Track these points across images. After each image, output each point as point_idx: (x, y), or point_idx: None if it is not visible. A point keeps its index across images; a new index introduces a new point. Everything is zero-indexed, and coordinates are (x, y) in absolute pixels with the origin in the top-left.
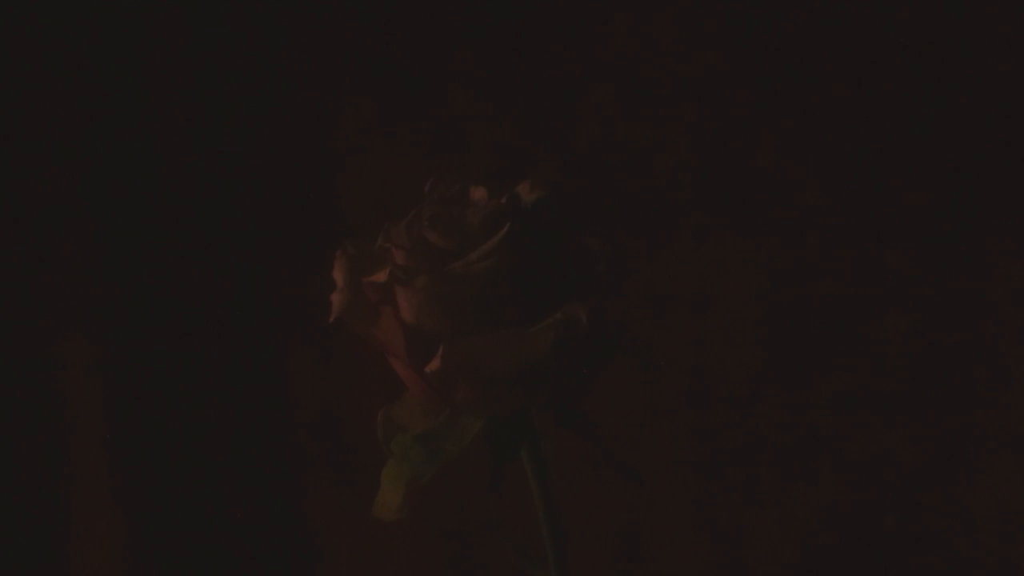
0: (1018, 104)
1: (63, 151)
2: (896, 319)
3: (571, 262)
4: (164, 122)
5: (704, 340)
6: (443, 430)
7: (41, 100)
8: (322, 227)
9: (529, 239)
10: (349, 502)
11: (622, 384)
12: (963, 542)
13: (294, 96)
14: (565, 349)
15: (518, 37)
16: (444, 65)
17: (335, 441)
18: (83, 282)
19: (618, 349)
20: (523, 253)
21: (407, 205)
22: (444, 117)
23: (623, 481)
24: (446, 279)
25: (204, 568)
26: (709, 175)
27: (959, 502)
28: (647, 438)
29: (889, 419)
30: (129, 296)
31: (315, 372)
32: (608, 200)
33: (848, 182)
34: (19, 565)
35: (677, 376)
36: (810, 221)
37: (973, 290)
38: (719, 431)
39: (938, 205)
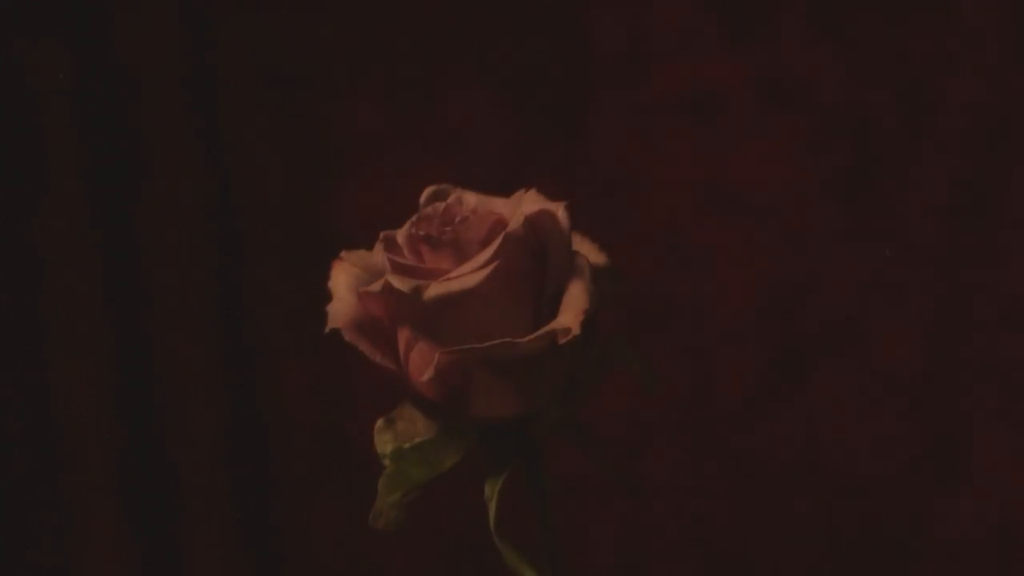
0: (1018, 108)
1: (61, 154)
2: (896, 328)
3: (566, 272)
4: (163, 124)
5: (703, 351)
6: (439, 441)
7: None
8: (320, 235)
9: (524, 249)
10: (346, 513)
11: (620, 394)
12: (964, 555)
13: (292, 99)
14: (559, 359)
15: (519, 40)
16: (445, 70)
17: (332, 451)
18: (79, 292)
19: (614, 359)
20: (518, 263)
21: (404, 214)
22: (442, 124)
23: (620, 490)
24: (441, 290)
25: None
26: (709, 180)
27: (960, 513)
28: (645, 448)
29: (889, 430)
30: (125, 303)
31: (312, 382)
32: (606, 208)
33: (849, 188)
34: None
35: (676, 387)
36: (810, 230)
37: (975, 297)
38: (718, 442)
39: (938, 208)
